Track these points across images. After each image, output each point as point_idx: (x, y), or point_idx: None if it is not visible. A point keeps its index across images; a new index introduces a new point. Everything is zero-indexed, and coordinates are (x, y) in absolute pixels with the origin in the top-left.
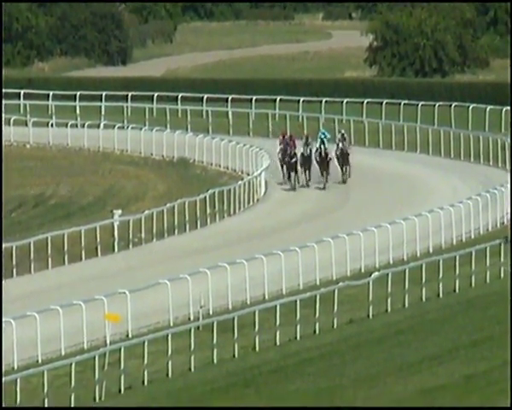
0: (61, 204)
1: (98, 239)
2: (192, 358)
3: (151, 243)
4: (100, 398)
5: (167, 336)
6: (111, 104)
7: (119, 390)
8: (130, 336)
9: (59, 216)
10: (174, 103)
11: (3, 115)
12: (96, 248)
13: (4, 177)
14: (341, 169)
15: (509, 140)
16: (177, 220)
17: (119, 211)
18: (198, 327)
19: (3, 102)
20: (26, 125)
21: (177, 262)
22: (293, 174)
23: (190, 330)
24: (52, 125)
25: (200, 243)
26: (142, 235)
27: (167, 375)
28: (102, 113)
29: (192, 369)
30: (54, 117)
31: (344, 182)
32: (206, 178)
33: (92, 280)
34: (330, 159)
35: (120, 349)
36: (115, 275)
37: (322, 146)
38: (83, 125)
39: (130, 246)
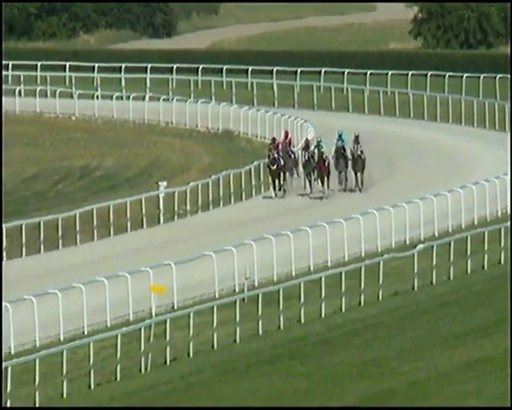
0: (107, 176)
1: (143, 211)
2: (237, 330)
3: (196, 215)
4: (146, 369)
5: (213, 307)
6: (156, 76)
7: (165, 362)
8: (175, 307)
9: (104, 188)
10: (219, 75)
11: (49, 87)
12: (142, 220)
13: (50, 148)
14: (355, 176)
15: None
16: (222, 192)
17: (165, 183)
18: (243, 299)
19: (48, 74)
20: (72, 97)
21: (222, 234)
22: (278, 181)
23: (236, 301)
24: (97, 97)
25: (246, 214)
26: (187, 207)
27: (213, 347)
28: (147, 85)
29: (237, 341)
30: (99, 89)
31: (359, 190)
32: (250, 150)
33: (137, 252)
34: (329, 164)
35: (166, 321)
36: (160, 247)
37: (316, 150)
38: (128, 98)
39: (176, 218)
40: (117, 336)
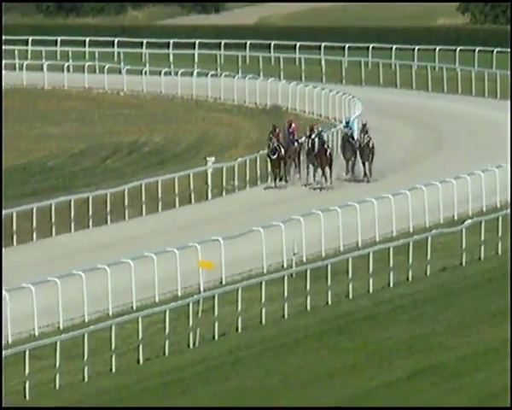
0: (155, 151)
1: (191, 186)
2: (285, 305)
3: (244, 190)
4: (194, 344)
5: (261, 283)
6: (204, 52)
7: (213, 337)
8: (223, 283)
9: (153, 163)
10: (267, 51)
11: (97, 63)
12: (190, 196)
13: (99, 124)
14: (363, 165)
15: None
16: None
17: (213, 158)
18: (291, 274)
19: (96, 49)
20: (120, 73)
21: (270, 209)
22: (278, 171)
23: (284, 277)
24: (146, 72)
25: (293, 190)
26: (235, 182)
27: (261, 322)
28: (196, 61)
29: (285, 316)
30: (147, 65)
31: (367, 181)
32: (298, 125)
33: (186, 227)
34: (330, 155)
35: (214, 296)
36: (208, 222)
37: (317, 139)
38: (176, 74)
39: (224, 193)
40: (165, 311)
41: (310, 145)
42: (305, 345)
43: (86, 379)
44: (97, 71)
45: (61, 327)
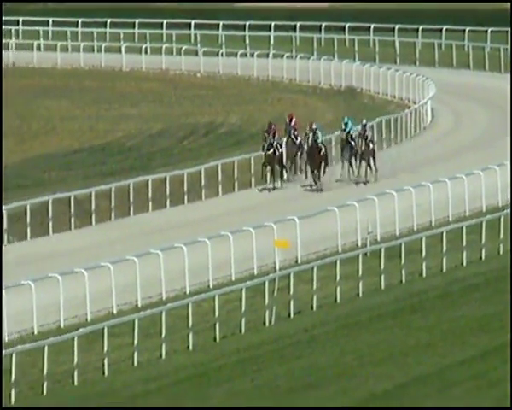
0: (231, 132)
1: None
2: (360, 284)
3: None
4: (270, 322)
5: (335, 262)
6: (280, 34)
7: (289, 315)
8: (299, 261)
9: (229, 144)
10: (341, 33)
11: (174, 45)
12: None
13: (176, 105)
14: (364, 167)
15: None
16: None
17: (285, 139)
18: (366, 253)
19: (174, 31)
20: (197, 54)
21: (345, 189)
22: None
23: (358, 256)
24: (222, 54)
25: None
26: None
27: (335, 300)
28: (271, 43)
29: (360, 294)
30: (224, 47)
31: (365, 183)
32: (373, 106)
33: (261, 207)
34: (324, 154)
35: (289, 275)
36: (284, 202)
37: (310, 136)
38: (252, 55)
39: (299, 173)
40: (241, 289)
41: (307, 144)
42: (378, 323)
43: (164, 356)
44: (174, 53)
45: (139, 305)
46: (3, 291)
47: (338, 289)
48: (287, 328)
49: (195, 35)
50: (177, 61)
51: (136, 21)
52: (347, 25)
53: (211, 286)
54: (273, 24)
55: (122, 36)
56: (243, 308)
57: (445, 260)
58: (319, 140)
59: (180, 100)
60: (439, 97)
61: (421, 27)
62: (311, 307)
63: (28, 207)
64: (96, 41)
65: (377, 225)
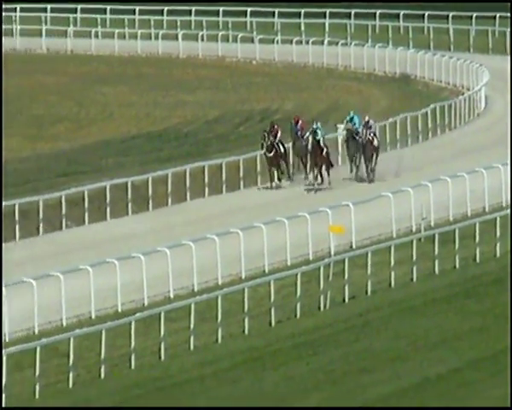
0: (287, 119)
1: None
2: (414, 269)
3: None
4: (325, 307)
5: (390, 247)
6: (334, 21)
7: (343, 300)
8: (353, 247)
9: (284, 130)
10: (396, 20)
11: (230, 32)
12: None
13: (232, 92)
14: (365, 165)
15: None
16: (399, 135)
17: (342, 125)
18: (420, 239)
19: (230, 19)
20: (253, 41)
21: (399, 178)
22: (277, 171)
23: (412, 241)
24: (277, 41)
25: (422, 157)
26: None
27: (390, 285)
28: (326, 30)
29: (414, 279)
30: (279, 34)
31: (369, 181)
32: (427, 93)
33: (317, 192)
34: (327, 153)
35: (344, 260)
36: (339, 188)
37: (310, 137)
38: (307, 42)
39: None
40: (297, 274)
41: (305, 142)
42: (433, 308)
43: (219, 341)
44: (230, 40)
45: (196, 290)
46: (61, 277)
47: (392, 274)
48: (341, 313)
49: (251, 22)
50: (234, 49)
51: (193, 9)
52: (402, 12)
53: (266, 271)
54: (328, 11)
55: (179, 23)
56: (298, 293)
57: (498, 245)
58: (318, 138)
59: (236, 87)
60: (492, 84)
61: (474, 14)
62: (366, 292)
63: (86, 192)
64: (153, 28)
65: (431, 210)
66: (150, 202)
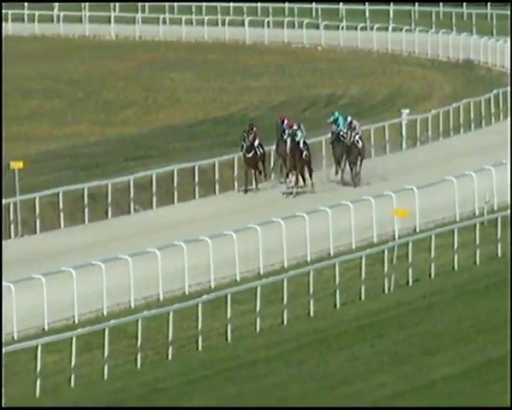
0: (351, 104)
1: (386, 137)
2: (477, 251)
3: (437, 141)
4: (389, 290)
5: (453, 230)
6: (399, 8)
7: (407, 283)
8: (417, 230)
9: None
10: (459, 6)
11: (296, 18)
12: (385, 146)
13: (297, 77)
14: (350, 168)
15: None
16: (462, 120)
17: (407, 110)
18: (483, 222)
19: (295, 5)
20: (318, 28)
21: (462, 159)
22: (254, 173)
23: (475, 224)
24: (342, 27)
25: (484, 140)
26: (429, 133)
27: (453, 268)
28: (391, 16)
29: (477, 262)
30: (344, 20)
31: (355, 185)
32: (490, 79)
33: (380, 176)
34: (306, 156)
35: (408, 243)
36: (404, 172)
37: (289, 139)
38: (372, 28)
39: (418, 144)
40: (361, 257)
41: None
42: (495, 291)
43: (285, 323)
44: (296, 26)
45: (262, 272)
46: (130, 260)
47: (455, 257)
48: (405, 295)
49: (316, 9)
50: (299, 35)
51: None
52: None
53: (331, 254)
54: None
55: (245, 10)
56: (363, 276)
57: None
58: (298, 139)
59: (301, 72)
60: None
61: None
62: (429, 275)
63: (154, 176)
64: (219, 15)
65: (494, 194)
66: (217, 185)
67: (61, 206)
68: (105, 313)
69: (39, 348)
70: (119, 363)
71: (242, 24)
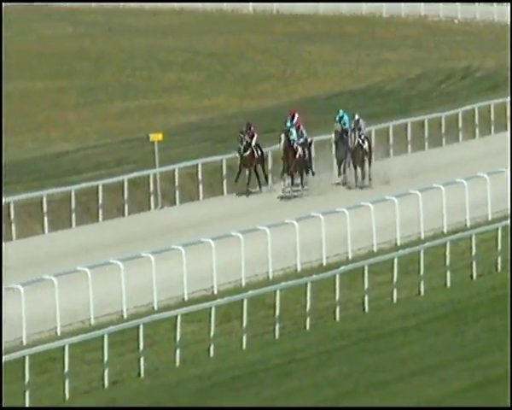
0: (488, 76)
1: None
2: None
3: None
4: None
5: None
6: None
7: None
8: None
9: (485, 88)
10: None
11: None
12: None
13: (434, 50)
14: (354, 169)
15: None
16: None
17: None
18: None
19: None
20: (455, 1)
21: None
22: (249, 173)
23: None
24: (479, 1)
25: None
26: None
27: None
28: None
29: None
30: None
31: (359, 188)
32: None
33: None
34: (300, 155)
35: None
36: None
37: (283, 136)
38: (508, 1)
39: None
40: (497, 228)
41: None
42: None
43: (422, 293)
44: None
45: (399, 244)
46: (268, 230)
47: None
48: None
49: None
50: (435, 8)
51: None
52: None
53: (468, 226)
54: None
55: None
56: (499, 247)
57: None
58: (292, 138)
59: (438, 45)
60: None
61: None
62: None
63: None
64: None
65: None
66: (334, 161)
67: (199, 177)
68: (243, 283)
69: (179, 318)
70: (258, 333)
71: None
